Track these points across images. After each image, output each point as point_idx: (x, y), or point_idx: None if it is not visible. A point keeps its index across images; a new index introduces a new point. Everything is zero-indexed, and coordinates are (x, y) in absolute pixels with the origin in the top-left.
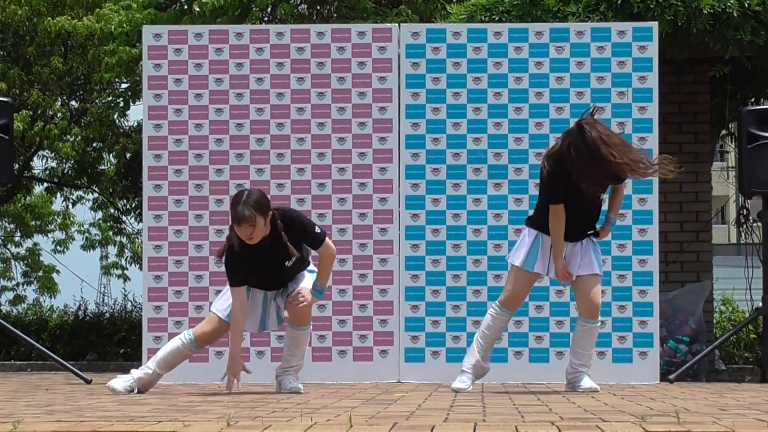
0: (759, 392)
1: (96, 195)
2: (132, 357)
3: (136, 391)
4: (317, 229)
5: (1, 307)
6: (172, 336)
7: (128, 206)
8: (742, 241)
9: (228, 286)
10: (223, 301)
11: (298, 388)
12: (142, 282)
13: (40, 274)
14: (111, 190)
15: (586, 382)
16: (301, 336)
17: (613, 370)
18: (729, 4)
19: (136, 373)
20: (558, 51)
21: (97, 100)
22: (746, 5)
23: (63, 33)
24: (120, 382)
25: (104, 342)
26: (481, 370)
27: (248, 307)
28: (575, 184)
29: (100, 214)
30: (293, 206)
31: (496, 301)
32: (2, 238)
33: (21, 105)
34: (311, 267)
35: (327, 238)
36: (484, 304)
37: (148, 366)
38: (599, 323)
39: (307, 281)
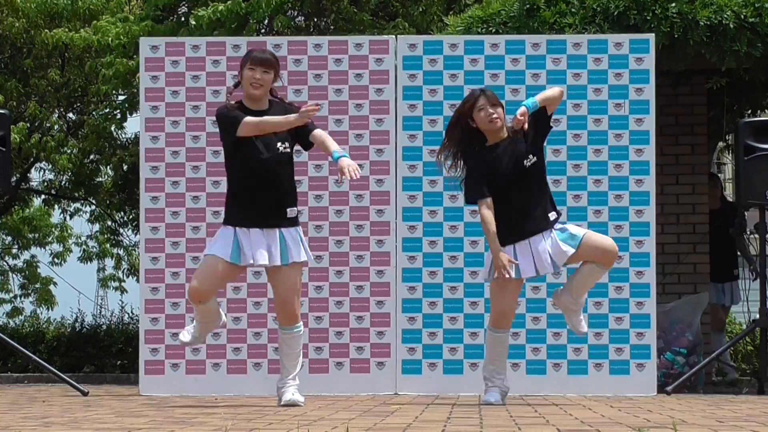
0: (756, 404)
1: (93, 207)
2: (129, 369)
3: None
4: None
5: None
6: (169, 348)
7: (125, 218)
8: (739, 253)
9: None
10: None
11: (296, 401)
12: (139, 294)
13: (38, 286)
14: (108, 202)
15: (581, 325)
16: (290, 338)
17: (610, 381)
18: (725, 16)
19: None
20: (555, 63)
21: (94, 112)
22: (742, 17)
23: (60, 45)
24: (187, 334)
25: (101, 354)
26: (505, 389)
27: (251, 242)
28: (495, 171)
29: (97, 227)
30: None
31: (488, 325)
32: (0, 250)
33: (18, 117)
34: (299, 233)
35: None
36: (482, 316)
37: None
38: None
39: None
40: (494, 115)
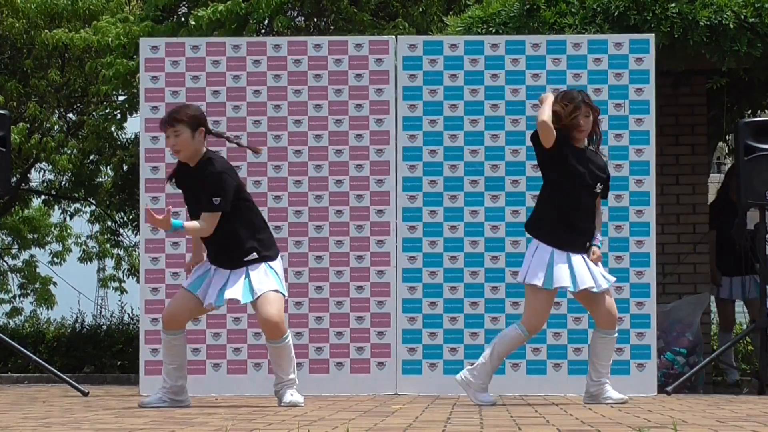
0: (756, 404)
1: (93, 207)
2: (129, 369)
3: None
4: (217, 200)
5: None
6: None
7: (125, 219)
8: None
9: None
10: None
11: (296, 402)
12: (139, 294)
13: (37, 286)
14: (108, 202)
15: (614, 394)
16: (277, 349)
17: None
18: (725, 16)
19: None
20: (555, 63)
21: (94, 113)
22: (742, 17)
23: (60, 45)
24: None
25: (101, 354)
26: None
27: (220, 280)
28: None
29: (97, 227)
30: (290, 218)
31: (522, 326)
32: None
33: (18, 118)
34: (269, 266)
35: (216, 213)
36: (482, 316)
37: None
38: (617, 333)
39: (260, 279)
40: (582, 127)
